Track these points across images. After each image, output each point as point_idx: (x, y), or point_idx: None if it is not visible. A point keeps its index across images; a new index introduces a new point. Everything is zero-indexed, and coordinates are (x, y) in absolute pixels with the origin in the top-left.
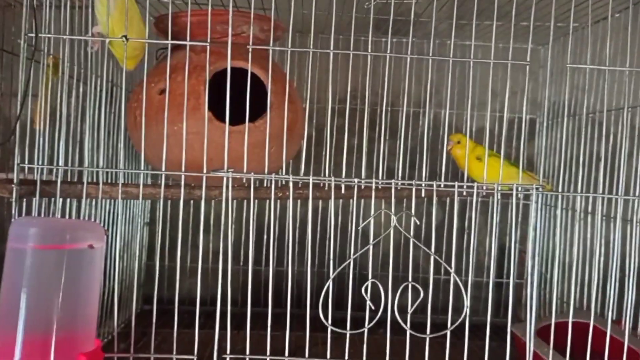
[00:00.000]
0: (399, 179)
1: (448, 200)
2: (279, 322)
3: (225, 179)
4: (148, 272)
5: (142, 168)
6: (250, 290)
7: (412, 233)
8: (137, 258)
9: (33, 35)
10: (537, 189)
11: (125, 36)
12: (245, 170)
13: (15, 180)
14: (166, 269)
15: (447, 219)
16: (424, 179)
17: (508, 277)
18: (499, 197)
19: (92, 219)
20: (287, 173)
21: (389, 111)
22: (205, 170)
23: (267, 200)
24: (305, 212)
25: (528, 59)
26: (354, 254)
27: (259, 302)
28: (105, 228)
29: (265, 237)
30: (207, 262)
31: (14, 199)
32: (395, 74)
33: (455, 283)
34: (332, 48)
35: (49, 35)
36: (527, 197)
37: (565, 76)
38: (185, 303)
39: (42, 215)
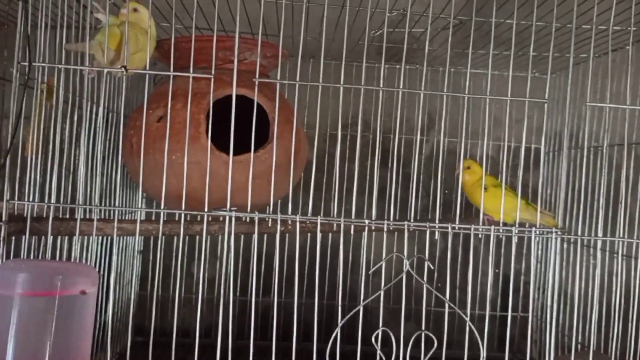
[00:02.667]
0: (412, 217)
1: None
2: (268, 356)
3: (227, 219)
4: (140, 302)
5: (140, 199)
6: (246, 322)
7: (424, 277)
8: (132, 288)
9: (26, 64)
10: (556, 232)
11: (124, 67)
12: (249, 202)
13: (4, 218)
14: (159, 299)
15: (450, 249)
16: (437, 220)
17: (512, 311)
18: (516, 240)
19: (86, 251)
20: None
21: (395, 139)
22: (206, 208)
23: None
24: (304, 239)
25: (546, 97)
26: (363, 299)
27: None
28: (99, 258)
29: (263, 267)
30: (202, 292)
31: (2, 238)
32: (390, 103)
33: (461, 318)
34: (342, 82)
35: (43, 65)
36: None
37: (569, 107)
38: (178, 335)
39: (32, 252)
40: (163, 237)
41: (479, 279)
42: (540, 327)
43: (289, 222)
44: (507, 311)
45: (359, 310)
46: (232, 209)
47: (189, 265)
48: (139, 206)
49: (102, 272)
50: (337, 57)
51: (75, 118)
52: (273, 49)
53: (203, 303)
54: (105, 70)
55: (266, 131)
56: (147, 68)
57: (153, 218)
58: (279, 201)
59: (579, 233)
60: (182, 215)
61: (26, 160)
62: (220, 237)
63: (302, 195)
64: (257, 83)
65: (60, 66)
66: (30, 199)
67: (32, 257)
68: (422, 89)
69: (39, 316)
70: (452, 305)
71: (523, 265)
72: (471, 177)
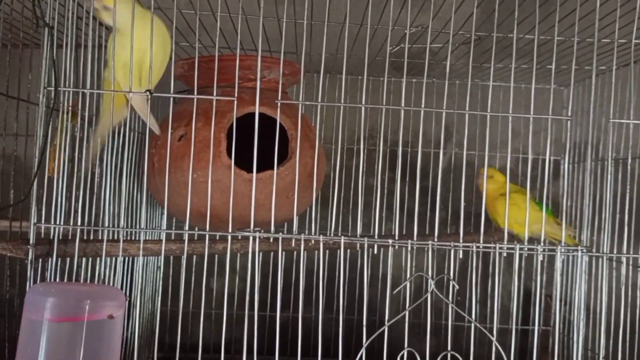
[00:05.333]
0: (435, 234)
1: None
2: None
3: (251, 239)
4: (160, 317)
5: (161, 217)
6: (266, 337)
7: (444, 291)
8: (154, 304)
9: (52, 89)
10: (581, 250)
11: (149, 91)
12: (272, 219)
13: (31, 241)
14: (179, 314)
15: (470, 262)
16: (461, 239)
17: (533, 324)
18: (541, 258)
19: (109, 269)
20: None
21: (418, 152)
22: (230, 229)
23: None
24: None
25: (569, 113)
26: (387, 316)
27: (270, 349)
28: (122, 276)
29: (282, 282)
30: (223, 307)
31: (29, 261)
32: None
33: (481, 332)
34: (363, 102)
35: (69, 89)
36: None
37: (591, 119)
38: (198, 349)
39: (57, 271)
40: (185, 256)
41: (500, 292)
42: (562, 341)
43: (312, 240)
44: (527, 324)
45: (381, 327)
46: (256, 229)
47: (207, 280)
48: (161, 224)
49: (125, 291)
50: (353, 72)
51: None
52: (291, 67)
53: (225, 319)
54: (131, 94)
55: (284, 148)
56: (172, 91)
57: (173, 237)
58: (298, 218)
59: (603, 246)
60: (207, 237)
61: (52, 182)
62: (239, 253)
63: (321, 210)
64: (279, 105)
65: (85, 90)
66: (57, 222)
67: (57, 276)
68: (445, 102)
69: (68, 341)
70: (477, 324)
71: (544, 278)
72: (494, 185)
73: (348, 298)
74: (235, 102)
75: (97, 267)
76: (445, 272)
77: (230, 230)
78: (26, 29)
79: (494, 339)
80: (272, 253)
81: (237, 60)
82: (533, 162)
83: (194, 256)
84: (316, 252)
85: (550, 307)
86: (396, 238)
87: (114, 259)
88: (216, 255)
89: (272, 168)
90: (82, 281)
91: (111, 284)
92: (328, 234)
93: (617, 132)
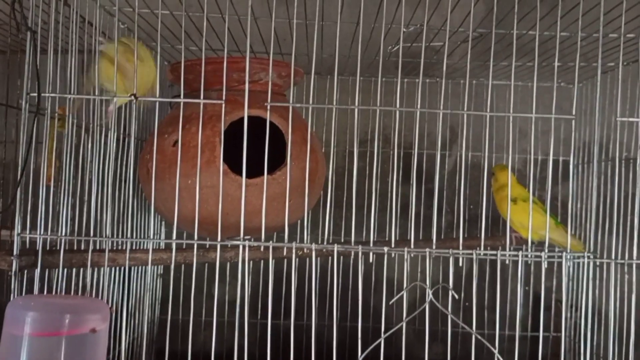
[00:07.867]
0: (434, 240)
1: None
2: None
3: (241, 247)
4: (161, 325)
5: (155, 224)
6: (268, 344)
7: (450, 298)
8: (151, 312)
9: (35, 94)
10: (588, 257)
11: (134, 94)
12: (263, 227)
13: (15, 252)
14: (180, 322)
15: (476, 266)
16: (461, 247)
17: (544, 330)
18: (546, 265)
19: (103, 277)
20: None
21: (416, 154)
22: (219, 237)
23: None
24: (325, 260)
25: (573, 112)
26: (385, 324)
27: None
28: (116, 284)
29: (284, 289)
30: (223, 315)
31: (13, 272)
32: (410, 117)
33: (490, 338)
34: (357, 103)
35: (53, 95)
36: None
37: (598, 118)
38: (200, 358)
39: (46, 281)
40: (180, 264)
41: (508, 298)
42: (573, 348)
43: (305, 249)
44: (537, 331)
45: (384, 335)
46: (246, 237)
47: (210, 287)
48: (156, 231)
49: (119, 301)
50: (355, 73)
51: (89, 145)
52: (288, 68)
53: (222, 326)
54: (115, 99)
55: (284, 152)
56: (158, 95)
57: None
58: (298, 222)
59: (613, 251)
60: (195, 246)
61: (37, 190)
62: (232, 261)
63: (322, 213)
64: (269, 107)
65: (70, 96)
66: (42, 231)
67: (45, 286)
68: (442, 103)
69: (49, 356)
70: (474, 332)
71: (554, 282)
72: (493, 185)
73: (352, 305)
74: (224, 105)
75: (88, 277)
76: (450, 279)
77: (219, 238)
78: (14, 33)
79: (495, 350)
80: (273, 260)
81: (225, 62)
82: (542, 163)
83: (194, 264)
84: (319, 259)
85: (560, 312)
86: (392, 245)
87: (104, 270)
88: (217, 276)
89: (270, 173)
90: (72, 293)
91: (104, 294)
92: (325, 242)
93: (628, 130)
